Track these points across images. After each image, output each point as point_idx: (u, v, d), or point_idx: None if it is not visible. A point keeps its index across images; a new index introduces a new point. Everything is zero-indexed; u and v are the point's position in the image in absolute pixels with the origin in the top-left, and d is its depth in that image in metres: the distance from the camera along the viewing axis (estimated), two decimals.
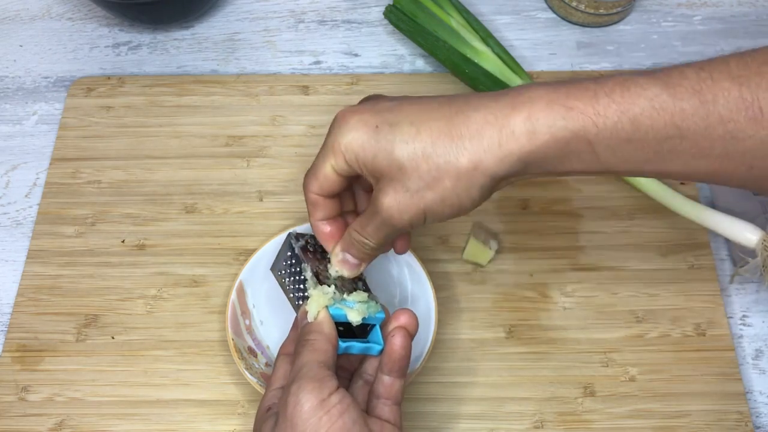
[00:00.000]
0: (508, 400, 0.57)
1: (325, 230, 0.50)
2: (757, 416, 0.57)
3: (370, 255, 0.49)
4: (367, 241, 0.48)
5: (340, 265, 0.50)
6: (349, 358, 0.51)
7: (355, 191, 0.53)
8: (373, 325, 0.50)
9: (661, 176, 0.44)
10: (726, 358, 0.58)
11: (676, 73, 0.42)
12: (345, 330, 0.50)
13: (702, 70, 0.42)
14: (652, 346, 0.59)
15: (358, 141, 0.45)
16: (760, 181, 0.43)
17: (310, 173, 0.49)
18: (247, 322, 0.58)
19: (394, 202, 0.44)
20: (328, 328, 0.47)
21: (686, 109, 0.41)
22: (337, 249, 0.50)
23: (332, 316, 0.48)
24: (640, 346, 0.59)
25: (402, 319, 0.49)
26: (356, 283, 0.52)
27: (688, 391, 0.57)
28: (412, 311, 0.49)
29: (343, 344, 0.48)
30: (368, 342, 0.49)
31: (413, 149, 0.43)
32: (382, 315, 0.50)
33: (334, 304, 0.49)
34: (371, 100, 0.48)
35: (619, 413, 0.57)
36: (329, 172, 0.47)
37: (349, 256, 0.49)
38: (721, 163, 0.42)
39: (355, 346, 0.48)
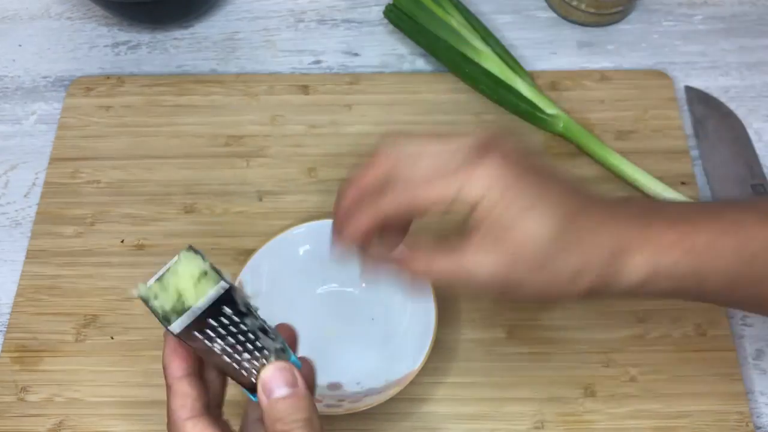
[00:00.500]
0: (509, 401, 0.57)
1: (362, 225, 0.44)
2: (758, 416, 0.57)
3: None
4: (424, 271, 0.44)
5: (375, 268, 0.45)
6: None
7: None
8: None
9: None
10: (727, 359, 0.58)
11: None
12: None
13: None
14: (652, 346, 0.59)
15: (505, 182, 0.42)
16: None
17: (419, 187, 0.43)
18: None
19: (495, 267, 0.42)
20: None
21: None
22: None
23: None
24: (641, 346, 0.59)
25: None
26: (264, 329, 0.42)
27: (688, 392, 0.57)
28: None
29: None
30: None
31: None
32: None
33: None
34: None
35: (619, 413, 0.56)
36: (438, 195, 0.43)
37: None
38: None
39: None
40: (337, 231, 0.46)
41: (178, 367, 0.41)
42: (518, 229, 0.41)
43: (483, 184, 0.42)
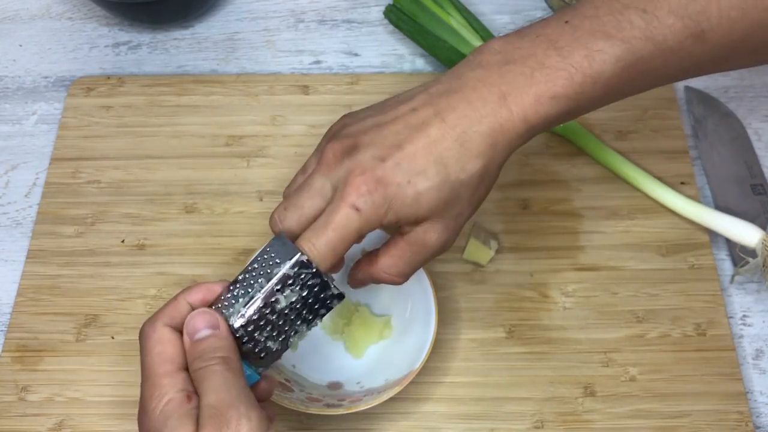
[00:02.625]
0: (508, 400, 0.57)
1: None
2: (757, 416, 0.57)
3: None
4: (396, 279, 0.49)
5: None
6: None
7: None
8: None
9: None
10: (726, 358, 0.58)
11: (626, 23, 0.44)
12: None
13: (645, 12, 0.44)
14: (652, 346, 0.59)
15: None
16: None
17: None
18: None
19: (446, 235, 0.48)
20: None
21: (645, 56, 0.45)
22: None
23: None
24: (641, 346, 0.59)
25: None
26: None
27: (688, 391, 0.57)
28: None
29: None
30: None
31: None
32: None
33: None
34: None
35: (619, 413, 0.57)
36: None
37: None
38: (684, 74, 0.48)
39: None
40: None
41: (201, 299, 0.45)
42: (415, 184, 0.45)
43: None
